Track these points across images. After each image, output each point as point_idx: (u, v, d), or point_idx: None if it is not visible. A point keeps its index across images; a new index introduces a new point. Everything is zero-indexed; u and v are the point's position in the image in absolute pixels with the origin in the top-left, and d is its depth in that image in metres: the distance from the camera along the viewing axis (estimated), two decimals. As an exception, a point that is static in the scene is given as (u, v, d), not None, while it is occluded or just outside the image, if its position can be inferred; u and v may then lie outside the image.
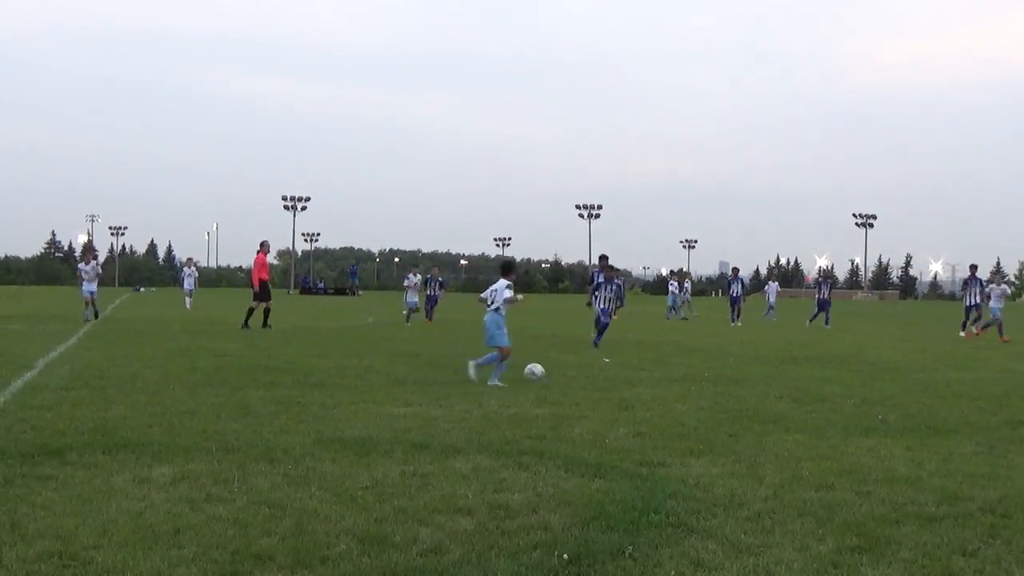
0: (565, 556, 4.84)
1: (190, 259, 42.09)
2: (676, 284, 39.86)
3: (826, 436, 8.74)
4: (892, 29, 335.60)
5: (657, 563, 4.80)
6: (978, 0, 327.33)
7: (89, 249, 31.50)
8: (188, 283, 39.46)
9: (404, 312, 29.56)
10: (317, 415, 9.47)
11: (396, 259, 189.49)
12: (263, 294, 24.39)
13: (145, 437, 7.97)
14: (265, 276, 24.63)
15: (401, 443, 7.91)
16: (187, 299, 38.47)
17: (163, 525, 5.32)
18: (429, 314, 29.91)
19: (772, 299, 40.53)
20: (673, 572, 4.70)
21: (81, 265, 28.24)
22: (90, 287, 27.25)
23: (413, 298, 29.34)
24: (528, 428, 8.88)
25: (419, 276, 30.95)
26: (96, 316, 27.03)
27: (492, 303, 13.16)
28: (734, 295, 34.55)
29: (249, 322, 24.19)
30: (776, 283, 43.59)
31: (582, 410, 10.19)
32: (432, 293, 30.57)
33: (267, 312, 24.37)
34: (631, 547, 5.02)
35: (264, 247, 25.29)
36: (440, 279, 31.90)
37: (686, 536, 5.28)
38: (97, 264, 28.52)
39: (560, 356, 17.21)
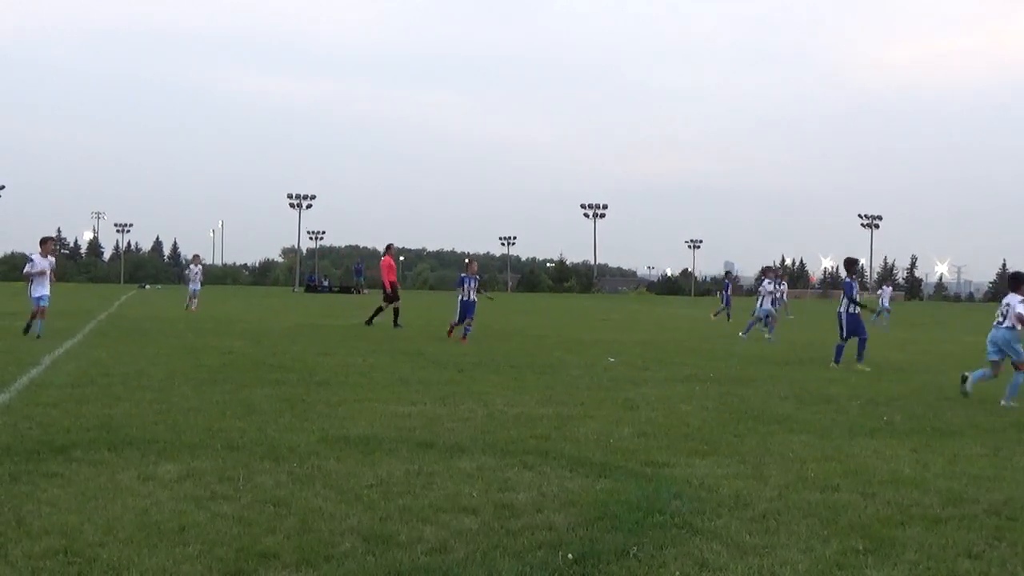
0: (570, 556, 4.84)
1: (196, 256, 36.28)
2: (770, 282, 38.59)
3: (831, 437, 8.73)
4: (898, 29, 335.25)
5: (662, 563, 4.80)
6: (985, 1, 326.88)
7: (50, 238, 20.19)
8: (194, 283, 34.11)
9: (760, 319, 24.86)
10: (322, 413, 9.48)
11: (401, 257, 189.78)
12: (392, 294, 25.06)
13: (150, 434, 7.99)
14: (393, 277, 25.21)
15: (406, 442, 7.92)
16: (193, 300, 33.55)
17: (168, 522, 5.33)
18: (465, 330, 20.82)
19: (887, 302, 38.55)
20: (678, 573, 4.70)
21: (36, 257, 18.79)
22: (42, 290, 18.49)
23: (767, 307, 24.73)
24: (533, 428, 8.87)
25: (771, 282, 25.15)
26: (39, 334, 18.15)
27: (1003, 320, 11.76)
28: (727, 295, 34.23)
29: (375, 320, 24.89)
30: (890, 287, 41.42)
31: (587, 410, 10.19)
32: (468, 298, 20.95)
33: (396, 312, 24.95)
34: (636, 547, 5.02)
35: (390, 250, 25.82)
36: (477, 276, 21.97)
37: (691, 537, 5.27)
38: (55, 262, 19.67)
39: (565, 356, 17.21)
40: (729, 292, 37.22)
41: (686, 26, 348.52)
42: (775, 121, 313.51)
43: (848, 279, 17.04)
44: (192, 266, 35.41)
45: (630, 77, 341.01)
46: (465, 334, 20.39)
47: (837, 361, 16.39)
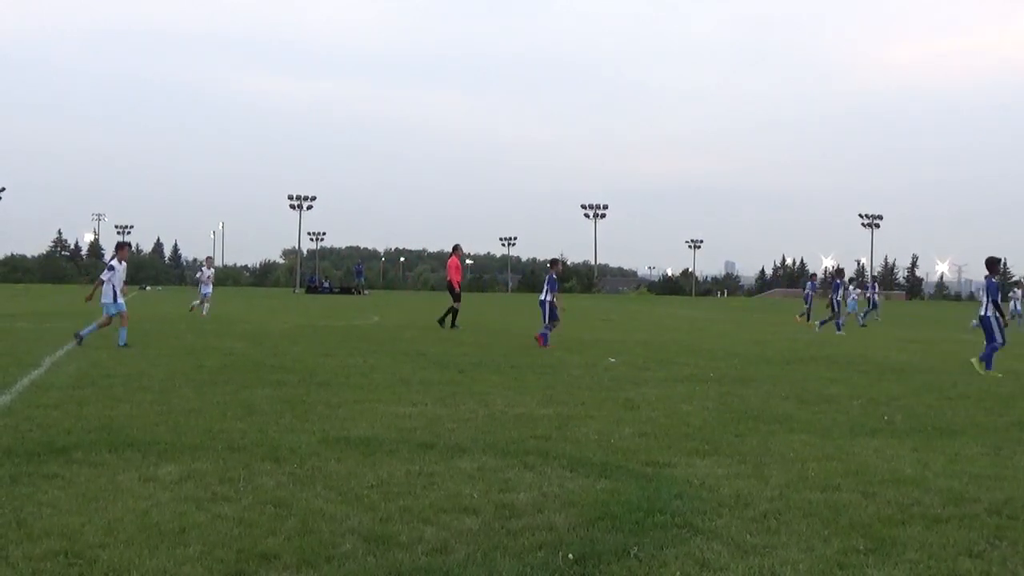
0: (570, 556, 4.84)
1: (209, 258, 34.13)
2: (870, 287, 37.26)
3: (832, 437, 8.73)
4: (900, 28, 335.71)
5: (662, 563, 4.80)
6: (985, 1, 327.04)
7: (128, 243, 20.34)
8: (206, 286, 31.85)
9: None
10: (322, 414, 9.47)
11: (401, 258, 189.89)
12: (455, 294, 25.46)
13: (151, 436, 7.99)
14: (457, 278, 25.55)
15: (406, 442, 7.92)
16: (204, 304, 31.30)
17: (169, 524, 5.33)
18: (549, 328, 20.04)
19: (1020, 306, 36.77)
20: (678, 572, 4.70)
21: (114, 263, 18.33)
22: (122, 297, 18.09)
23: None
24: (534, 428, 8.87)
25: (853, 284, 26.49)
26: (125, 343, 17.29)
27: None
28: (837, 299, 33.18)
29: (456, 322, 25.18)
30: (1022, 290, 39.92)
31: (588, 410, 10.19)
32: (548, 298, 20.30)
33: (454, 313, 25.23)
34: (636, 547, 5.01)
35: (456, 250, 26.07)
36: (554, 276, 21.14)
37: (691, 536, 5.27)
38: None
39: (565, 356, 17.20)
40: (812, 292, 36.08)
41: (686, 26, 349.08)
42: (775, 121, 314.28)
43: (991, 279, 15.86)
44: (204, 268, 33.28)
45: (630, 77, 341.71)
46: (545, 337, 19.69)
47: (990, 367, 15.36)
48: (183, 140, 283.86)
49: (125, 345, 17.14)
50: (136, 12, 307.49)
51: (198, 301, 32.11)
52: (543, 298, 20.39)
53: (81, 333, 17.58)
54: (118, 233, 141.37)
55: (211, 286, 32.41)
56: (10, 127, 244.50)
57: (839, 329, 28.73)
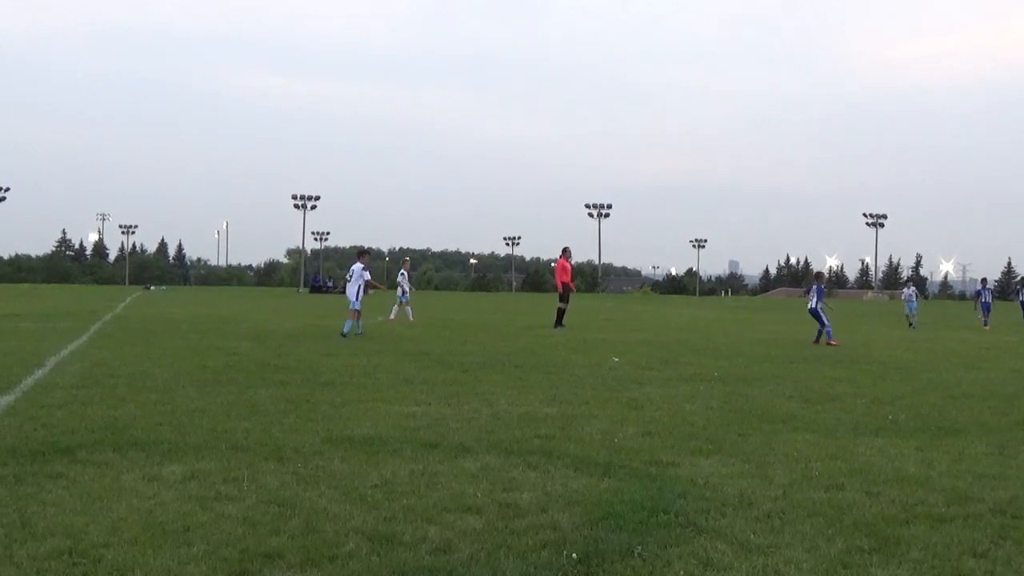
0: (574, 555, 4.84)
1: (405, 260, 32.77)
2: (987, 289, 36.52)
3: (836, 436, 8.71)
4: (903, 28, 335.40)
5: (666, 563, 4.80)
6: (986, 1, 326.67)
7: (367, 251, 23.93)
8: (403, 291, 30.45)
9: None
10: (326, 414, 9.48)
11: (406, 258, 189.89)
12: (564, 295, 26.19)
13: (155, 435, 8.00)
14: (567, 279, 26.24)
15: (410, 442, 7.92)
16: (408, 308, 30.25)
17: (173, 523, 5.34)
18: (827, 333, 21.62)
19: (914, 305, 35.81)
20: (682, 572, 4.69)
21: (358, 267, 21.76)
22: (357, 301, 21.31)
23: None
24: (537, 427, 8.87)
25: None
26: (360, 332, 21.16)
27: None
28: (985, 302, 33.53)
29: (563, 321, 25.96)
30: None
31: (591, 409, 10.18)
32: (820, 305, 22.15)
33: (560, 312, 26.05)
34: (640, 547, 5.01)
35: (565, 253, 26.81)
36: (822, 287, 23.22)
37: (695, 536, 5.27)
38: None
39: (569, 355, 17.20)
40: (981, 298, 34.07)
41: (689, 26, 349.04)
42: (781, 120, 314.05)
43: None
44: (404, 272, 31.31)
45: (634, 77, 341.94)
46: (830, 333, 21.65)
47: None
48: (186, 140, 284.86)
49: (343, 336, 20.55)
50: (142, 11, 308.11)
51: (396, 305, 30.57)
52: (813, 307, 22.20)
53: (344, 332, 20.96)
54: (122, 233, 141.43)
55: (406, 290, 30.62)
56: (13, 128, 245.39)
57: None
